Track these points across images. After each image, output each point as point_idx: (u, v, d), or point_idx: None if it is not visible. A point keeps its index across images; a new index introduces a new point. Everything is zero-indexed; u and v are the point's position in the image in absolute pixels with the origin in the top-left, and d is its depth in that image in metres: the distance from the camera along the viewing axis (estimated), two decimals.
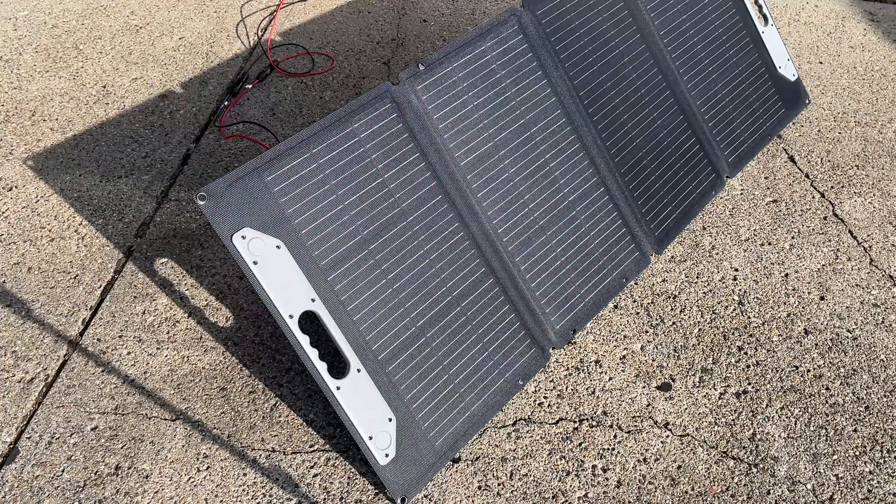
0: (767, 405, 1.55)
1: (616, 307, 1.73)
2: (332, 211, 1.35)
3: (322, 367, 1.29)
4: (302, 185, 1.34)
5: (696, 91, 1.95)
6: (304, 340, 1.29)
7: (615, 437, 1.49)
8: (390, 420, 1.35)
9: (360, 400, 1.32)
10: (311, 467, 1.43)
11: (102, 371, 1.58)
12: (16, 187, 1.98)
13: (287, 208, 1.31)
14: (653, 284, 1.78)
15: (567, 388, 1.57)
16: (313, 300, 1.30)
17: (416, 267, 1.42)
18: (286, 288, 1.28)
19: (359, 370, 1.33)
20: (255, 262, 1.27)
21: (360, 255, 1.37)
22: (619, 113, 1.77)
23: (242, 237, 1.27)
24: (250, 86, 2.32)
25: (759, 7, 2.12)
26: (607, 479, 1.42)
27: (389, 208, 1.41)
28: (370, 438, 1.32)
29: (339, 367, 1.33)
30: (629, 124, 1.78)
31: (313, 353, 1.29)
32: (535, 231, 1.59)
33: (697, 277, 1.80)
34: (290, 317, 1.28)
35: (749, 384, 1.58)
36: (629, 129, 1.78)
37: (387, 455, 1.34)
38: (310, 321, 1.40)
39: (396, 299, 1.39)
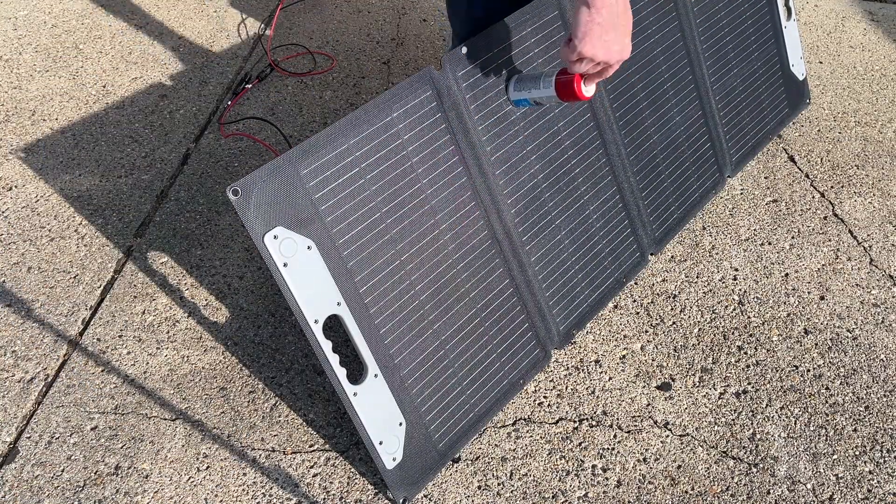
0: (767, 405, 1.55)
1: (616, 307, 1.73)
2: (365, 208, 1.29)
3: (342, 373, 1.26)
4: (337, 180, 1.26)
5: (717, 86, 1.87)
6: (326, 346, 1.24)
7: (615, 436, 1.49)
8: (401, 424, 1.33)
9: (375, 405, 1.30)
10: (311, 467, 1.43)
11: (102, 371, 1.58)
12: (16, 187, 1.98)
13: (321, 205, 1.24)
14: (653, 284, 1.78)
15: (567, 387, 1.57)
16: (339, 304, 1.26)
17: (438, 268, 1.39)
18: (314, 291, 1.23)
19: (376, 375, 1.30)
20: (285, 265, 1.20)
21: (387, 255, 1.32)
22: (642, 108, 1.72)
23: (274, 237, 1.19)
24: (250, 86, 2.31)
25: None
26: (607, 478, 1.42)
27: (419, 206, 1.36)
28: (380, 444, 1.30)
29: (354, 372, 1.31)
30: (649, 120, 1.73)
31: (334, 359, 1.25)
32: (550, 230, 1.56)
33: (697, 277, 1.80)
34: (316, 322, 1.23)
35: (749, 384, 1.58)
36: (648, 126, 1.73)
37: (394, 459, 1.32)
38: (327, 321, 1.35)
39: (417, 302, 1.36)
